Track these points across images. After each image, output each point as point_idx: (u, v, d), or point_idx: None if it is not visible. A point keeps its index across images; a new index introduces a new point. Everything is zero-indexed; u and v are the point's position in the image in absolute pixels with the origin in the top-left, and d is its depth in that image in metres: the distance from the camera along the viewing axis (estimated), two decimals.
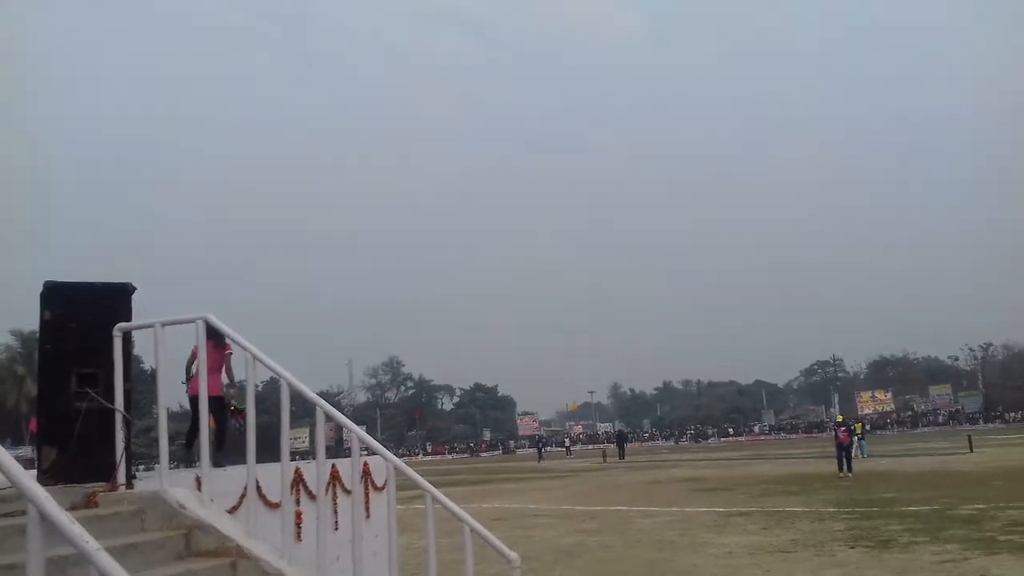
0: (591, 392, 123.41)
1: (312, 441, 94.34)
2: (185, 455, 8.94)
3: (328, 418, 5.42)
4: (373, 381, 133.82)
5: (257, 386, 5.46)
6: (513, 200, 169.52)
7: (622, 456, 49.93)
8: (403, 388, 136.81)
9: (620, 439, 56.20)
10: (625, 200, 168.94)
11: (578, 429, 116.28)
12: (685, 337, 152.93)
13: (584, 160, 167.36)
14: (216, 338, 8.57)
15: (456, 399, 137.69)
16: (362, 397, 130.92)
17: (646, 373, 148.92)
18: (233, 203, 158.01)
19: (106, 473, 5.51)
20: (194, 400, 8.63)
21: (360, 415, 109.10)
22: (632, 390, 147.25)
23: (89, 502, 5.15)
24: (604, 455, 50.79)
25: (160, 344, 5.46)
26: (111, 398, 5.57)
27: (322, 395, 5.73)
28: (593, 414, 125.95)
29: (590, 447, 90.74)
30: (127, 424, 5.61)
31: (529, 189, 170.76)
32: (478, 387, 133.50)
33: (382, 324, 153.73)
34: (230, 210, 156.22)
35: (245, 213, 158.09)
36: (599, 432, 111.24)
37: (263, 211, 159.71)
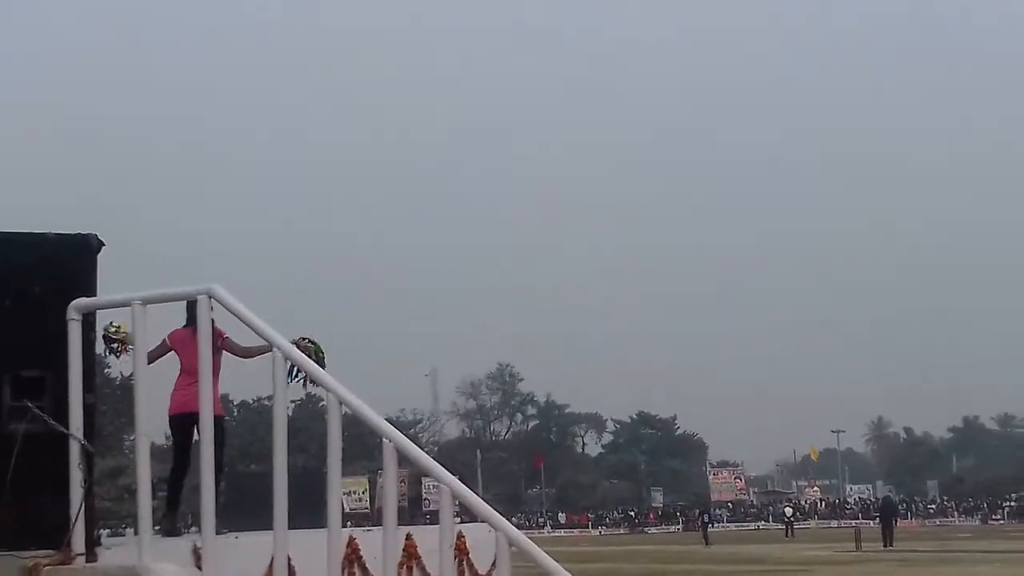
0: (836, 432, 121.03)
1: (374, 498, 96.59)
2: (166, 518, 9.11)
3: (403, 460, 5.49)
4: (471, 404, 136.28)
5: (287, 407, 5.61)
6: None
7: (888, 541, 48.88)
8: (520, 417, 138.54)
9: (886, 512, 54.94)
10: None
11: (813, 492, 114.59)
12: (1002, 349, 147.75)
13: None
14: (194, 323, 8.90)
15: (607, 437, 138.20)
16: (453, 430, 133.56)
17: (933, 403, 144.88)
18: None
19: (54, 536, 5.76)
20: (180, 422, 8.92)
21: (449, 458, 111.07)
22: (908, 431, 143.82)
23: None
24: (858, 538, 49.86)
25: (140, 333, 5.66)
26: (63, 418, 5.81)
27: (391, 424, 5.80)
28: (838, 469, 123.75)
29: (832, 524, 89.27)
30: (88, 459, 5.84)
31: None
32: (644, 418, 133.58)
33: (487, 312, 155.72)
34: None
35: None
36: (848, 499, 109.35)
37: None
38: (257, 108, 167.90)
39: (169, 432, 9.02)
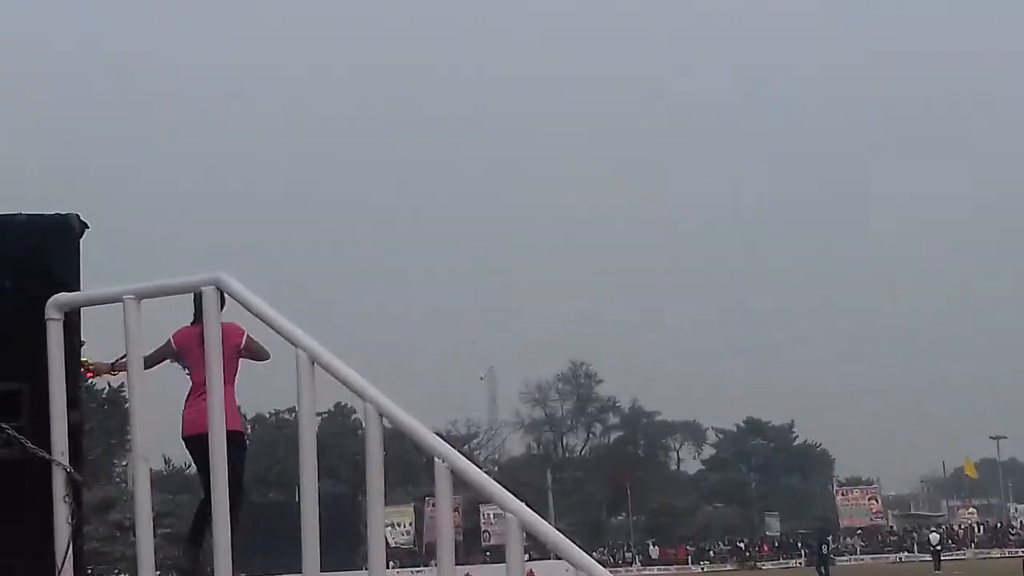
0: (996, 439, 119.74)
1: (422, 531, 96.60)
2: (186, 555, 9.23)
3: (458, 484, 5.49)
4: (538, 413, 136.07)
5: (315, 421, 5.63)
6: None
7: None
8: (599, 427, 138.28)
9: None
10: None
11: (969, 515, 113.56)
12: None
13: None
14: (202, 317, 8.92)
15: (708, 451, 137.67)
16: (516, 445, 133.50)
17: None
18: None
19: None
20: (196, 444, 8.97)
21: (513, 480, 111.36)
22: None
23: None
24: None
25: (134, 335, 5.71)
26: (44, 441, 5.88)
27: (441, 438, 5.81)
28: (999, 485, 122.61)
29: (993, 553, 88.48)
30: (75, 491, 5.91)
31: None
32: (753, 426, 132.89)
33: (555, 299, 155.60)
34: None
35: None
36: (1012, 521, 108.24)
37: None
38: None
39: (179, 454, 9.14)
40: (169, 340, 9.03)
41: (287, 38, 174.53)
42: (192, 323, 8.90)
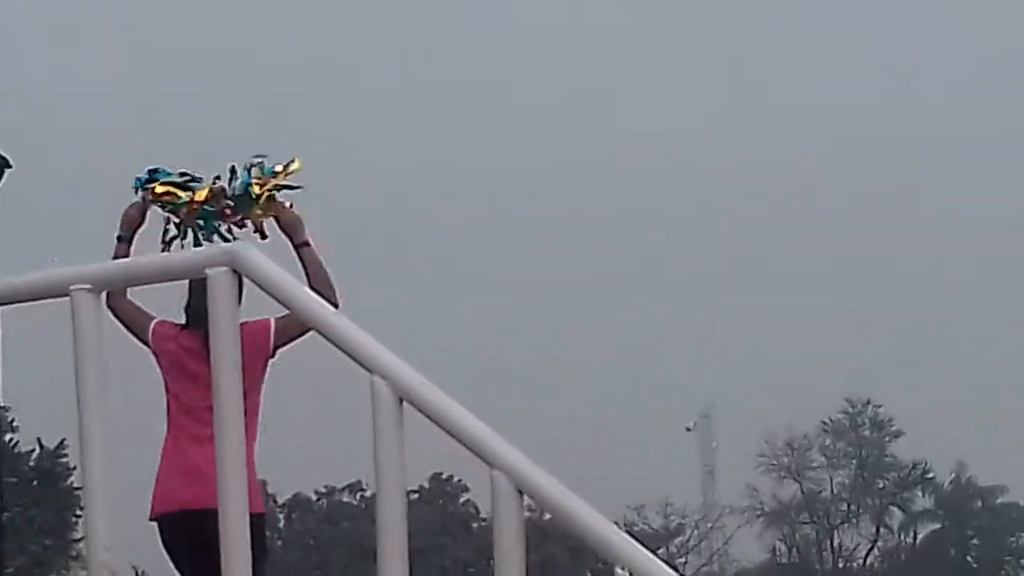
0: None
1: None
2: None
3: None
4: (790, 491, 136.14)
5: (404, 500, 5.69)
6: None
7: None
8: (900, 516, 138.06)
9: None
10: None
11: None
12: None
13: None
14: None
15: None
16: (752, 545, 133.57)
17: None
18: None
19: None
20: (182, 530, 9.06)
21: None
22: None
23: None
24: None
25: (90, 348, 5.80)
26: None
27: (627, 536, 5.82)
28: None
29: None
30: None
31: None
32: None
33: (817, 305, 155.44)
34: None
35: None
36: None
37: None
38: None
39: (155, 562, 9.25)
40: (149, 327, 9.05)
41: None
42: (184, 326, 8.97)
